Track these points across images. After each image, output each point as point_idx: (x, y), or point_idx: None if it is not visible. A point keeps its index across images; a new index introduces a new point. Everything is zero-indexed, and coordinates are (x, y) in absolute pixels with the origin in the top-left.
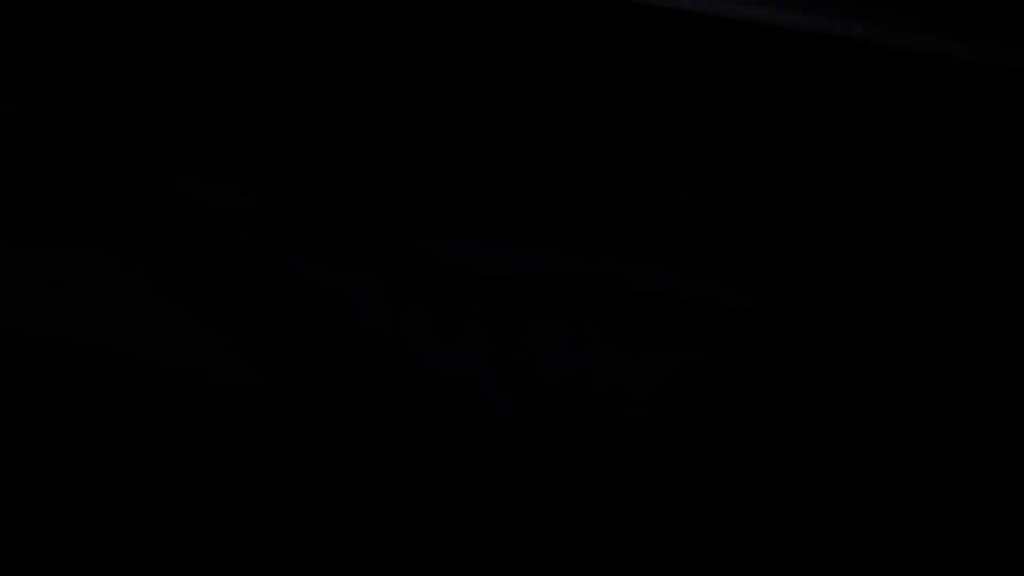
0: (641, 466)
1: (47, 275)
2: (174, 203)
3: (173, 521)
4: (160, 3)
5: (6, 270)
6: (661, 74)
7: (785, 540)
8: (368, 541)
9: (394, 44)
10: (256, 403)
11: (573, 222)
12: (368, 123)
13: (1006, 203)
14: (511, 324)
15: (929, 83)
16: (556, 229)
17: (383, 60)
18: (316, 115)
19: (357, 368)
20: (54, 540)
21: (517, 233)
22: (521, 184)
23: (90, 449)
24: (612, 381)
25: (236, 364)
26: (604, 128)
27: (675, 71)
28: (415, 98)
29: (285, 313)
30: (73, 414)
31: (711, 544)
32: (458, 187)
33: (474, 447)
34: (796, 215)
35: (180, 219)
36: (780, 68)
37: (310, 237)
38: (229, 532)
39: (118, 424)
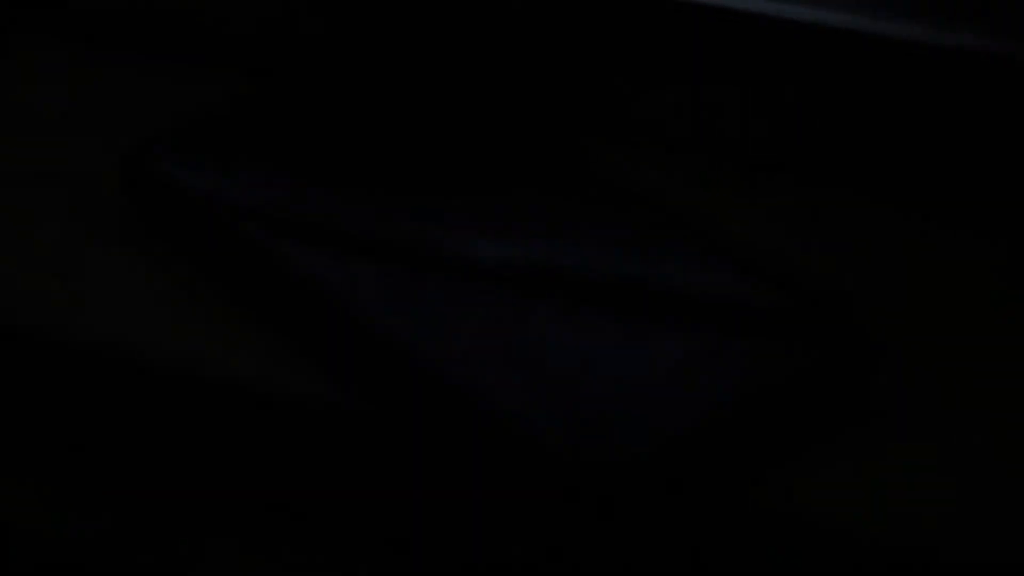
0: (645, 454)
1: (47, 269)
2: (174, 196)
3: (172, 515)
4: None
5: (5, 264)
6: (666, 70)
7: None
8: (367, 533)
9: (390, 36)
10: (257, 395)
11: (576, 213)
12: (366, 113)
13: (1008, 201)
14: (515, 313)
15: (932, 77)
16: (559, 219)
17: (379, 52)
18: (315, 107)
19: (359, 359)
20: (53, 535)
21: (520, 223)
22: (525, 175)
23: (89, 442)
24: (617, 370)
25: (237, 356)
26: (605, 124)
27: (677, 69)
28: (414, 86)
29: (287, 305)
30: (73, 407)
31: (715, 531)
32: (461, 177)
33: (477, 436)
34: (796, 212)
35: (180, 212)
36: (781, 64)
37: (311, 229)
38: (227, 526)
39: (117, 417)
